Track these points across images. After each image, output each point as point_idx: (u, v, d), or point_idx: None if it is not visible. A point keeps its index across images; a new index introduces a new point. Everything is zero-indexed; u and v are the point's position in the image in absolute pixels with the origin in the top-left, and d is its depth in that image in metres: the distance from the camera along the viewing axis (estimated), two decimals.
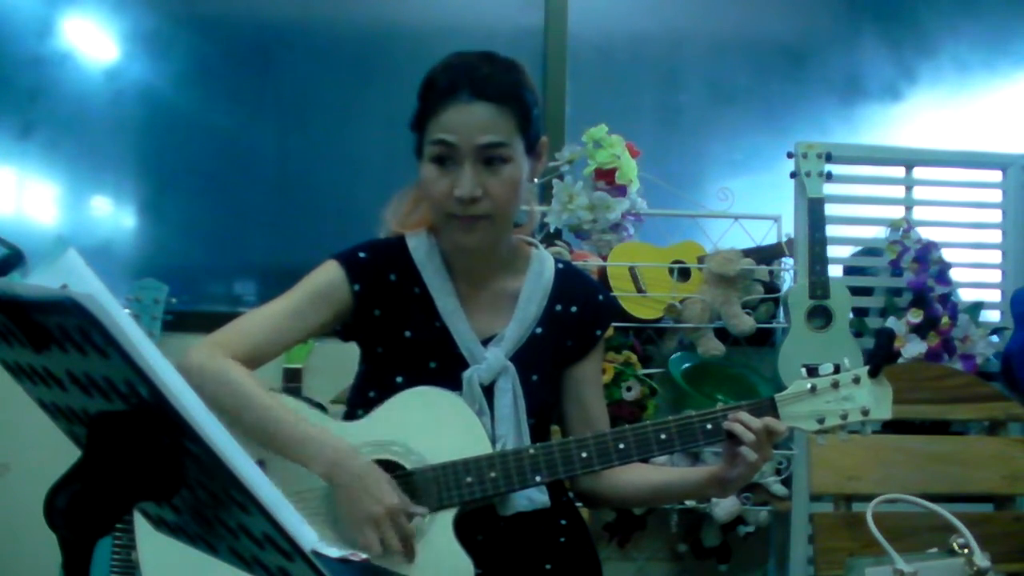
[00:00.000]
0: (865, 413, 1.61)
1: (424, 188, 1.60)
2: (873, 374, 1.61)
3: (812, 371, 1.63)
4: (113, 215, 3.20)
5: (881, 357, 1.61)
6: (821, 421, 1.61)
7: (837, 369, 1.63)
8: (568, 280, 1.74)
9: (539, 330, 1.69)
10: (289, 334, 1.63)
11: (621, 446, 1.59)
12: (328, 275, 1.65)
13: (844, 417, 1.61)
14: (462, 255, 1.66)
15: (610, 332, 1.84)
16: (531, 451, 1.58)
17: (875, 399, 1.61)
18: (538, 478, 1.57)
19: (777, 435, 1.57)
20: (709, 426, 1.59)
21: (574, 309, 1.72)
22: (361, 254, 1.67)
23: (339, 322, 1.67)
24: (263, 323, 1.63)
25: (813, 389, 1.61)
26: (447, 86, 1.55)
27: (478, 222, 1.58)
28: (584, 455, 1.58)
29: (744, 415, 1.57)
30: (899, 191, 2.96)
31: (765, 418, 1.57)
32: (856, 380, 1.61)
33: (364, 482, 1.49)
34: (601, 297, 1.78)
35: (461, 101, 1.54)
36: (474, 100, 1.54)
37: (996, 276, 2.96)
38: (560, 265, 1.75)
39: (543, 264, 1.72)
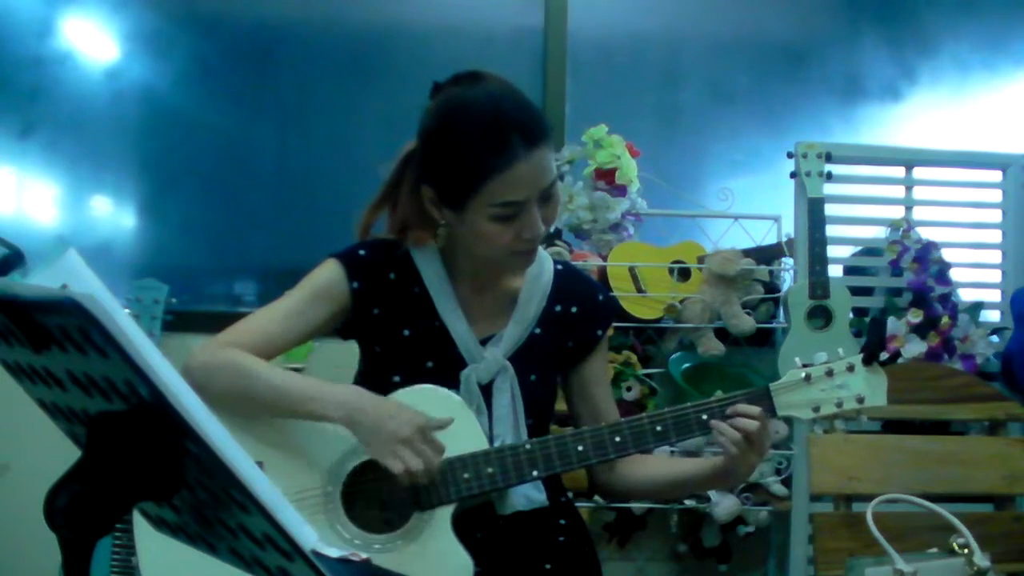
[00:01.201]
0: (860, 400, 1.61)
1: (483, 241, 1.55)
2: (867, 362, 1.61)
3: (808, 367, 1.63)
4: (113, 215, 3.20)
5: (874, 344, 1.61)
6: (816, 409, 1.61)
7: None
8: (568, 280, 1.74)
9: (538, 330, 1.69)
10: (291, 333, 1.63)
11: (617, 439, 1.59)
12: (327, 273, 1.66)
13: (839, 405, 1.61)
14: (475, 262, 1.66)
15: (610, 332, 1.85)
16: (527, 446, 1.58)
17: (870, 386, 1.61)
18: (535, 472, 1.58)
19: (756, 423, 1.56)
20: (704, 417, 1.59)
21: (574, 309, 1.72)
22: (361, 252, 1.67)
23: (339, 320, 1.67)
24: (265, 323, 1.63)
25: (808, 378, 1.61)
26: (499, 144, 1.48)
27: (536, 248, 1.60)
28: (580, 449, 1.59)
29: (741, 407, 1.57)
30: (899, 191, 2.95)
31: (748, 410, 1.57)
32: (850, 368, 1.61)
33: (385, 411, 1.51)
34: (601, 297, 1.78)
35: (520, 158, 1.48)
36: (530, 149, 1.49)
37: (996, 276, 2.96)
38: (559, 266, 1.75)
39: (542, 265, 1.72)
